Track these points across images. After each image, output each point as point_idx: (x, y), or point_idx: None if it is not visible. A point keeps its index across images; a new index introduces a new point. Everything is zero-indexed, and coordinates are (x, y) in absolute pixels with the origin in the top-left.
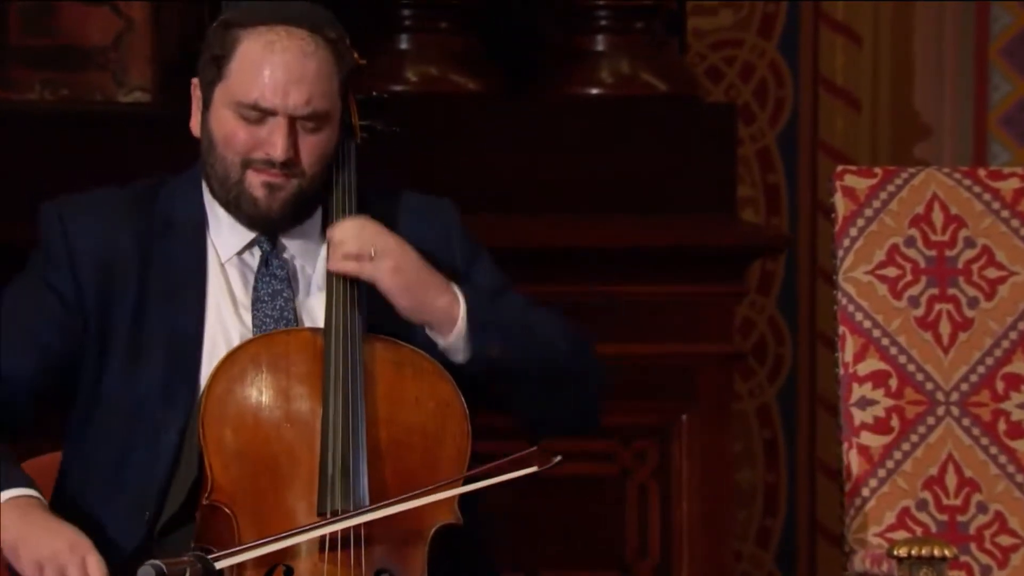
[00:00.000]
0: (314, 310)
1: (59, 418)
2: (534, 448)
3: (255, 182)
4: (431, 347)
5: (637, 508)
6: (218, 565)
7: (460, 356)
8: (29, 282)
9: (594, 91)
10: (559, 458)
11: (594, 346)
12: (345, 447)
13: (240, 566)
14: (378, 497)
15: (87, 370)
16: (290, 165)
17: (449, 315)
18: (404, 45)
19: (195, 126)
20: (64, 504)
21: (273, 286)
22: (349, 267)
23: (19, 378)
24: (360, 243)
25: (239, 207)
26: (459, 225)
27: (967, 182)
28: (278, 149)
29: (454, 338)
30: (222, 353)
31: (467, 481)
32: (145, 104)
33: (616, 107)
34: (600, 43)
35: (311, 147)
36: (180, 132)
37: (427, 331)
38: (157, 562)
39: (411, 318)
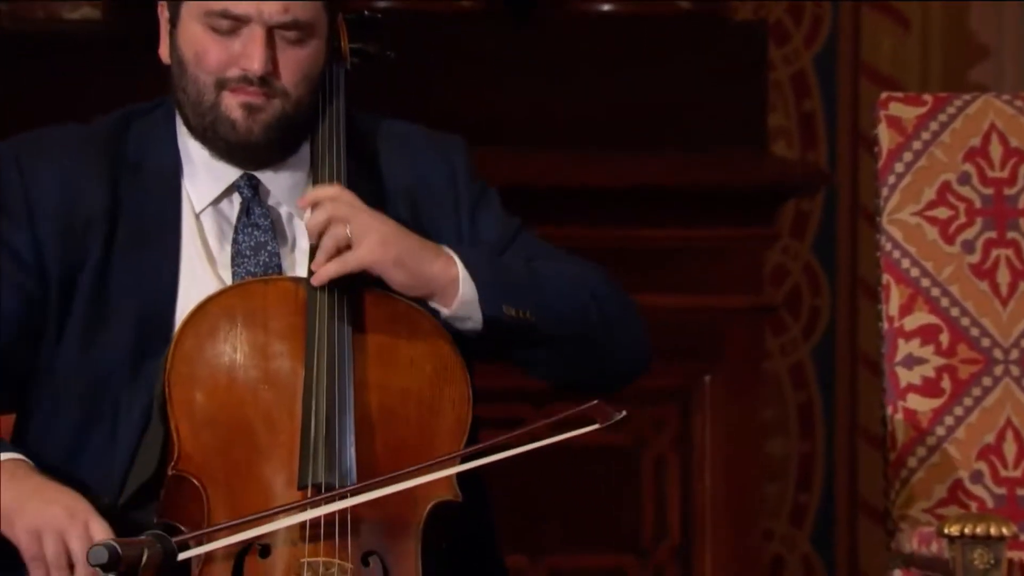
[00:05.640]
0: (305, 266)
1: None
2: (594, 402)
3: (232, 103)
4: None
5: (654, 483)
6: (182, 556)
7: (471, 323)
8: None
9: (605, 7)
10: (623, 413)
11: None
12: (330, 412)
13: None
14: (366, 469)
15: (44, 341)
16: (269, 82)
17: (448, 277)
18: None
19: (164, 52)
20: None
21: (256, 238)
22: (331, 269)
23: None
24: (332, 236)
25: (216, 134)
26: (466, 166)
27: None
28: (254, 61)
29: (458, 304)
30: None
31: (518, 441)
32: (94, 22)
33: (631, 26)
34: None
35: (293, 62)
36: (134, 54)
37: (430, 304)
38: (111, 542)
39: (411, 292)
